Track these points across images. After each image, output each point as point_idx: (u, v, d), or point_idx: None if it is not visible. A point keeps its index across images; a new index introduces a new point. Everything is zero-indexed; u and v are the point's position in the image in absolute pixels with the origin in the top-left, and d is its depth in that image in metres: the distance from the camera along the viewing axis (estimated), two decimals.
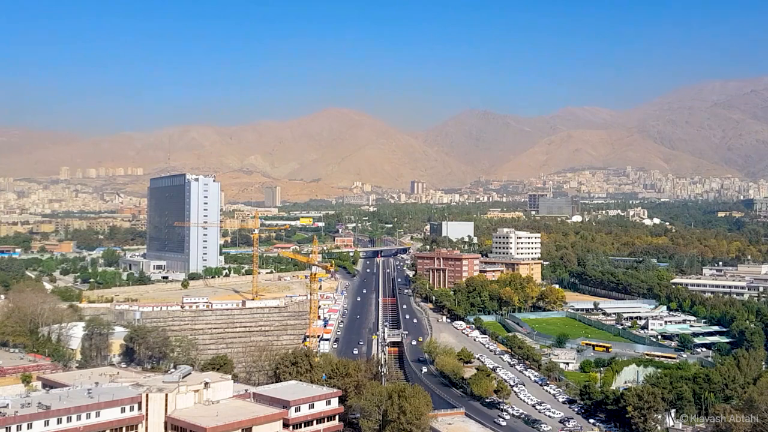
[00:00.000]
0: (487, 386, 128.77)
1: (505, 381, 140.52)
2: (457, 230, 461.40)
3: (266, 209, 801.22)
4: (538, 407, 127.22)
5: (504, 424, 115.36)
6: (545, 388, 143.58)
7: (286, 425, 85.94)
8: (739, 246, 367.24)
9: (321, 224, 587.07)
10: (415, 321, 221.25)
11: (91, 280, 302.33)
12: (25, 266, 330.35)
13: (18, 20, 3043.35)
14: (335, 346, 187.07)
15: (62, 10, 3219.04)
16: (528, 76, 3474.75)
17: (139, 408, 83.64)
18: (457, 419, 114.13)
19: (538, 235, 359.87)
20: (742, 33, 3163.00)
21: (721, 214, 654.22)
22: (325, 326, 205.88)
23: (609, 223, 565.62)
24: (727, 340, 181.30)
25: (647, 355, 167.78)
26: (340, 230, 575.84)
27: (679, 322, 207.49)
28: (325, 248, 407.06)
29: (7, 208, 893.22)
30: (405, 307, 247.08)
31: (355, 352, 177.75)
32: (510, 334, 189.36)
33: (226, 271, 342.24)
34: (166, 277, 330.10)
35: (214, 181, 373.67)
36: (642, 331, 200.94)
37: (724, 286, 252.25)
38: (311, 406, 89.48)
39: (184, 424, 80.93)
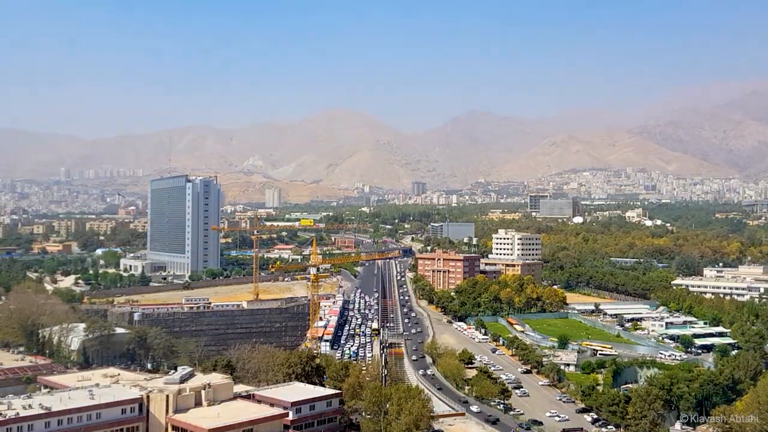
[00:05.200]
0: (488, 387, 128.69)
1: (507, 382, 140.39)
2: (458, 231, 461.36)
3: (267, 210, 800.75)
4: (539, 408, 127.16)
5: (505, 425, 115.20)
6: (546, 389, 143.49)
7: (287, 426, 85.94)
8: (740, 247, 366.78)
9: (322, 225, 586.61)
10: (416, 322, 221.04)
11: (92, 281, 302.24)
12: (26, 267, 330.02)
13: (18, 21, 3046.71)
14: (336, 347, 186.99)
15: (62, 10, 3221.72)
16: (529, 77, 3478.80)
17: (140, 409, 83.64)
18: (458, 421, 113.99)
19: (539, 236, 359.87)
20: (743, 34, 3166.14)
21: (721, 216, 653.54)
22: (325, 327, 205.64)
23: (610, 224, 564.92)
24: (728, 342, 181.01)
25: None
26: (341, 232, 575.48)
27: (680, 324, 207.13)
28: (326, 249, 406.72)
29: (7, 209, 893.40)
30: (406, 308, 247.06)
31: (356, 353, 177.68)
32: (511, 335, 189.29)
33: (227, 272, 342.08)
34: (166, 278, 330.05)
35: (215, 182, 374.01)
36: (643, 333, 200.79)
37: (725, 288, 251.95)
38: (312, 407, 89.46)
39: (185, 425, 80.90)
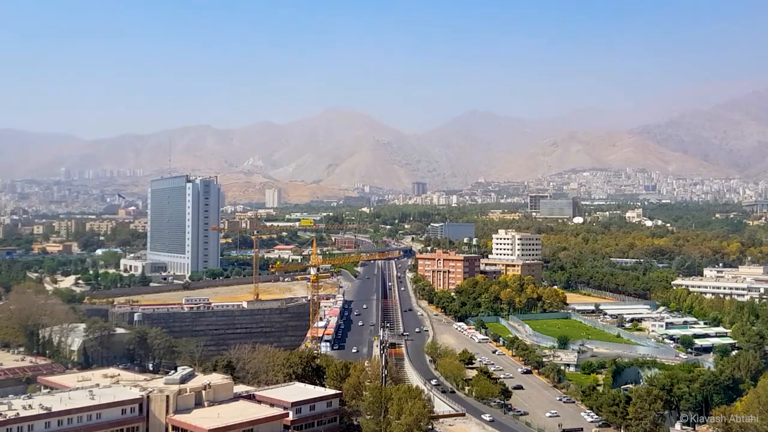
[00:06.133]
0: (488, 388, 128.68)
1: (507, 382, 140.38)
2: (458, 231, 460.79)
3: (267, 211, 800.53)
4: (539, 408, 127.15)
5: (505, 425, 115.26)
6: (546, 389, 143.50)
7: (287, 426, 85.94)
8: (740, 247, 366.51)
9: (322, 226, 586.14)
10: (416, 322, 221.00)
11: (92, 281, 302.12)
12: (26, 267, 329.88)
13: (18, 21, 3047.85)
14: (336, 348, 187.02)
15: (61, 10, 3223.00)
16: (529, 77, 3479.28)
17: (141, 410, 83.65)
18: (458, 421, 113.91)
19: (539, 236, 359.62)
20: (743, 34, 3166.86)
21: (721, 216, 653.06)
22: (325, 328, 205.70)
23: (610, 224, 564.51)
24: (729, 342, 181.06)
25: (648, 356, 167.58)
26: (341, 232, 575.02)
27: (680, 324, 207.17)
28: (326, 250, 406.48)
29: (7, 209, 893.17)
30: (406, 308, 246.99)
31: (356, 353, 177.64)
32: (511, 336, 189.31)
33: (227, 272, 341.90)
34: (166, 279, 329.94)
35: (215, 182, 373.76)
36: (643, 333, 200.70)
37: (725, 288, 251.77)
38: (312, 408, 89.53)
39: (185, 425, 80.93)
